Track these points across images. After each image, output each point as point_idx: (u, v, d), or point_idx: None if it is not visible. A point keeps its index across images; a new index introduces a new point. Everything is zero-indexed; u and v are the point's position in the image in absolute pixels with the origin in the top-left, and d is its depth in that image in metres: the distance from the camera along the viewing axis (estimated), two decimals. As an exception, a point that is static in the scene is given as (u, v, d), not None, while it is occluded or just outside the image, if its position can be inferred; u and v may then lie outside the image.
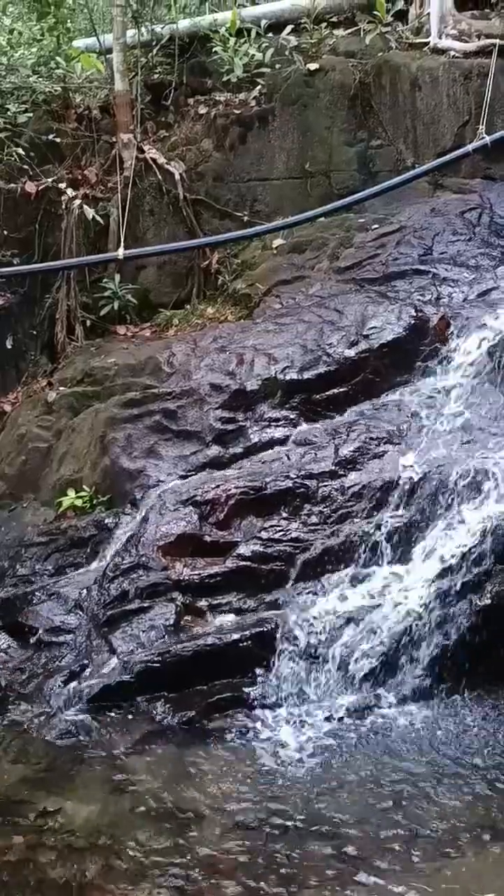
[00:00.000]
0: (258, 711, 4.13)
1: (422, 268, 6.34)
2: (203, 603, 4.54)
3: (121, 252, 6.69)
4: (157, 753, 3.93)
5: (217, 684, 4.20)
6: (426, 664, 4.13)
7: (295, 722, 4.09)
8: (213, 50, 7.62)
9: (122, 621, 4.58)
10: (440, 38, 7.46)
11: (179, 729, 4.07)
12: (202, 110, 7.73)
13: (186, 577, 4.65)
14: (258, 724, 4.08)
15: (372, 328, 5.68)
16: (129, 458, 5.61)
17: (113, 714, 4.19)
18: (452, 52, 7.36)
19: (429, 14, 7.55)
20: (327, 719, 4.08)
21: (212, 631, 4.36)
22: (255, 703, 4.15)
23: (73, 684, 4.37)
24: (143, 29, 7.95)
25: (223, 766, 3.84)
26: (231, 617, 4.48)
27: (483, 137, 6.82)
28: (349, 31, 7.82)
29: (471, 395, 5.26)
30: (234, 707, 4.14)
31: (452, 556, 4.34)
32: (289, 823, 3.44)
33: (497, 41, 7.17)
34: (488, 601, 4.18)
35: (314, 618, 4.32)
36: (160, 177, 7.49)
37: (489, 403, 5.14)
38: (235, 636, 4.25)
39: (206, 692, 4.17)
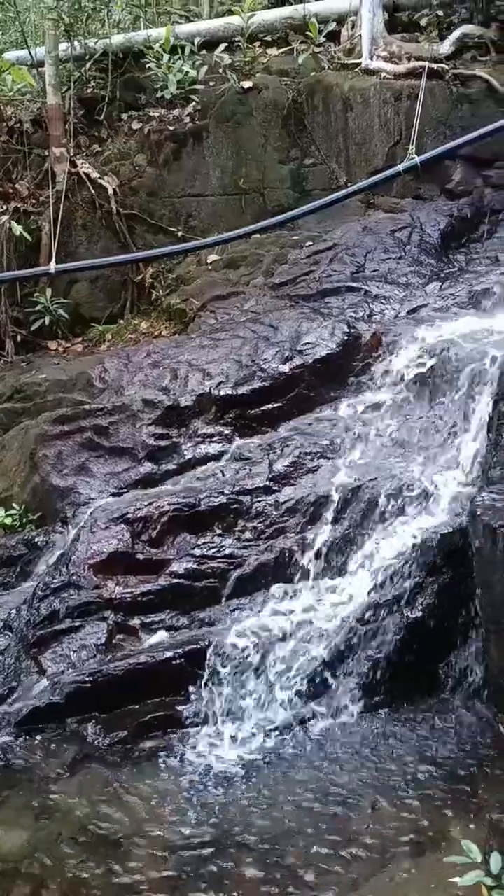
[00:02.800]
0: (191, 730, 4.09)
1: (354, 285, 6.43)
2: (136, 621, 4.48)
3: (52, 266, 6.63)
4: (87, 776, 3.85)
5: (149, 703, 4.13)
6: (358, 679, 4.13)
7: (228, 739, 4.05)
8: (147, 66, 7.65)
9: (52, 642, 4.49)
10: (371, 59, 7.61)
11: (111, 750, 4.00)
12: (136, 125, 7.74)
13: (119, 596, 4.59)
14: (191, 743, 4.03)
15: (306, 344, 5.72)
16: (60, 476, 5.53)
17: (42, 737, 4.10)
18: (383, 74, 7.52)
19: (360, 36, 7.70)
20: (261, 735, 4.05)
21: (144, 649, 4.30)
22: (188, 721, 4.10)
23: (2, 707, 4.26)
24: (76, 43, 7.93)
25: (155, 786, 3.79)
26: (164, 635, 4.43)
27: (413, 158, 6.97)
28: (282, 50, 7.94)
29: (402, 410, 5.32)
30: (166, 726, 4.08)
31: (385, 570, 4.37)
32: (222, 841, 3.42)
33: (426, 64, 7.35)
34: (419, 614, 4.21)
35: (248, 634, 4.29)
36: (93, 191, 7.47)
37: (420, 418, 5.20)
38: (168, 654, 4.20)
39: (138, 712, 4.10)
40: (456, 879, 2.45)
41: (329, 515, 4.70)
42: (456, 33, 7.75)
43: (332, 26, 7.96)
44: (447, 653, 4.21)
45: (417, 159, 6.94)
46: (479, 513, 3.72)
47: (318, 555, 4.59)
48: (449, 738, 3.94)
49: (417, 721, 4.07)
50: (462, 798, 3.59)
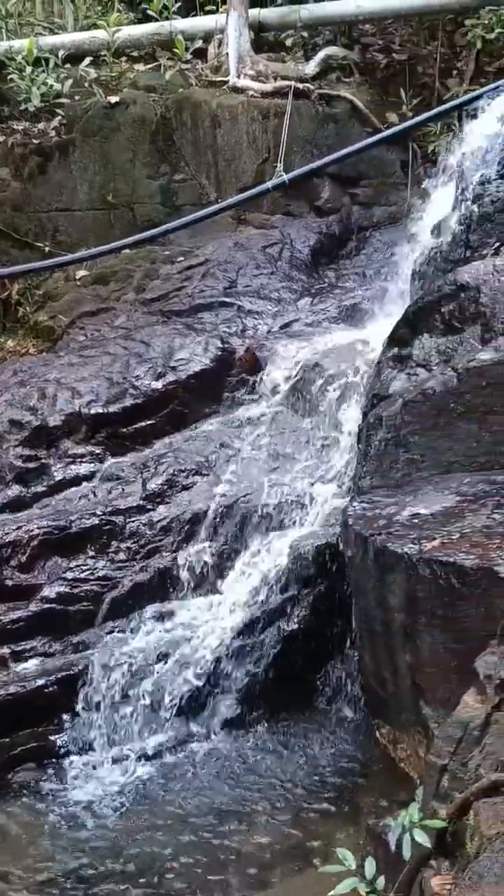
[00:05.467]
0: (66, 760, 3.99)
1: (227, 300, 6.45)
2: (5, 650, 4.32)
3: None
4: (-44, 816, 3.68)
5: (21, 735, 4.00)
6: (237, 694, 4.13)
7: (105, 766, 3.98)
8: (10, 77, 7.45)
9: None
10: (239, 77, 7.67)
11: (-21, 787, 3.84)
12: (-1, 138, 7.53)
13: (-14, 625, 4.41)
14: (66, 773, 3.94)
15: (179, 360, 5.68)
16: None
17: None
18: (251, 92, 7.59)
19: (227, 54, 7.76)
20: (140, 759, 4.00)
21: (14, 679, 4.15)
22: (62, 751, 4.00)
23: None
24: None
25: (30, 821, 3.68)
26: (36, 662, 4.29)
27: (281, 175, 7.07)
28: (150, 66, 7.90)
29: (277, 424, 5.36)
30: (40, 757, 3.97)
31: (261, 584, 4.38)
32: (104, 871, 3.35)
33: (292, 83, 7.47)
34: (296, 626, 4.24)
35: (123, 656, 4.21)
36: (-47, 205, 7.21)
37: (294, 431, 5.25)
38: (39, 682, 4.07)
39: (9, 745, 3.96)
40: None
41: (205, 532, 4.68)
42: (321, 54, 7.92)
43: (199, 44, 7.98)
44: (324, 663, 4.26)
45: (285, 177, 7.04)
46: (350, 522, 3.76)
47: (194, 573, 4.56)
48: (328, 748, 3.99)
49: (297, 733, 4.10)
50: (343, 806, 3.64)
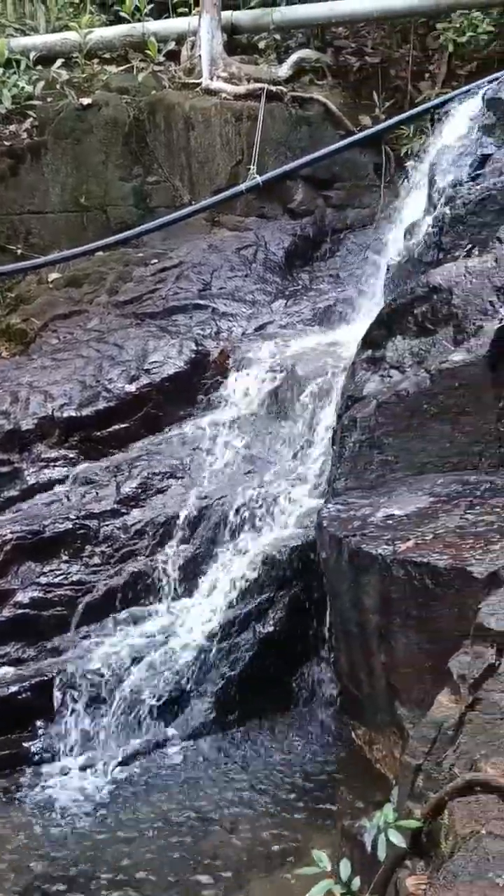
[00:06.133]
0: (42, 766, 3.95)
1: (201, 302, 6.44)
2: (-23, 657, 4.28)
3: None
4: None
5: (-6, 743, 3.95)
6: (213, 697, 4.11)
7: (82, 771, 3.95)
8: (-20, 79, 7.40)
9: None
10: (212, 79, 7.67)
11: (-45, 796, 3.79)
12: (-31, 140, 7.46)
13: (-42, 632, 4.37)
14: (42, 779, 3.90)
15: (153, 362, 5.66)
16: None
17: None
18: (224, 94, 7.59)
19: (200, 56, 7.75)
20: (116, 764, 3.96)
21: (-13, 686, 4.11)
22: (38, 757, 3.96)
23: None
24: None
25: (2, 828, 3.61)
26: (9, 669, 4.24)
27: (255, 177, 7.08)
28: (122, 68, 7.87)
29: (251, 426, 5.35)
30: (14, 765, 3.94)
31: (236, 587, 4.37)
32: (78, 875, 3.32)
33: (265, 85, 7.48)
34: (271, 628, 4.23)
35: (98, 661, 4.18)
36: None
37: (268, 433, 5.25)
38: (13, 689, 4.04)
39: (-18, 753, 3.91)
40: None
41: (179, 535, 4.67)
42: (293, 57, 7.94)
43: (172, 45, 7.97)
44: (300, 665, 4.25)
45: (259, 179, 7.05)
46: (325, 524, 3.76)
47: (169, 576, 4.54)
48: (305, 750, 3.99)
49: (273, 735, 4.09)
50: (319, 808, 3.63)
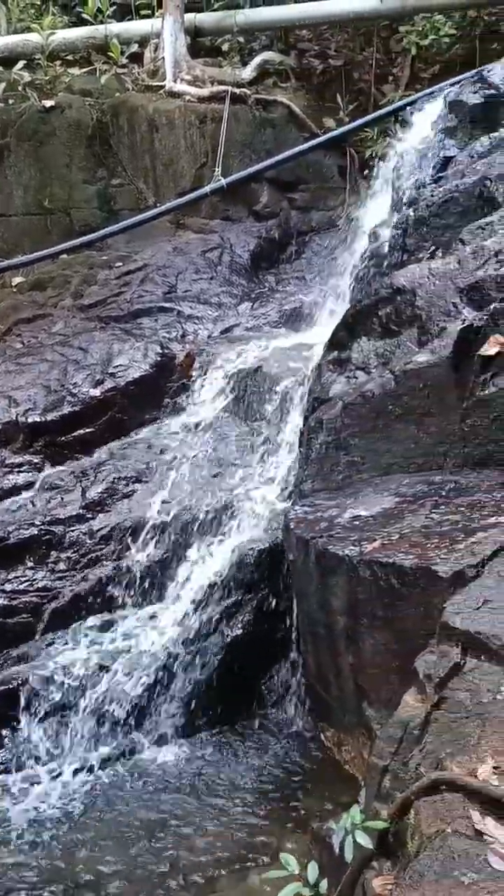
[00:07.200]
0: (6, 776, 3.87)
1: (167, 305, 6.41)
2: None
3: None
4: None
5: (-41, 754, 3.89)
6: (181, 702, 4.08)
7: (47, 781, 3.89)
8: None
9: None
10: (175, 81, 7.66)
11: None
12: None
13: None
14: (6, 790, 3.82)
15: (118, 366, 5.62)
16: None
17: None
18: (188, 97, 7.58)
19: (163, 58, 7.73)
20: (84, 772, 3.92)
21: (-50, 696, 4.04)
22: (3, 766, 3.89)
23: None
24: None
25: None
26: (-26, 678, 4.18)
27: (220, 180, 7.07)
28: (85, 70, 7.83)
29: (217, 429, 5.34)
30: (-21, 776, 3.85)
31: (203, 591, 4.34)
32: (45, 886, 3.27)
33: (229, 88, 7.48)
34: (239, 631, 4.21)
35: (65, 668, 4.13)
36: None
37: (234, 436, 5.23)
38: (-23, 699, 3.97)
39: None
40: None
41: (146, 540, 4.62)
42: (257, 59, 7.95)
43: (135, 48, 7.95)
44: (269, 668, 4.24)
45: (223, 181, 7.04)
46: (292, 526, 3.75)
47: (135, 581, 4.51)
48: (274, 753, 3.97)
49: (243, 739, 4.07)
50: (289, 812, 3.61)
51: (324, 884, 2.16)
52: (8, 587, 4.44)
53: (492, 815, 1.87)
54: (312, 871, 2.19)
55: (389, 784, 2.30)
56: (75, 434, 5.30)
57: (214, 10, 8.11)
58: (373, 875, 2.12)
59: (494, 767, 1.99)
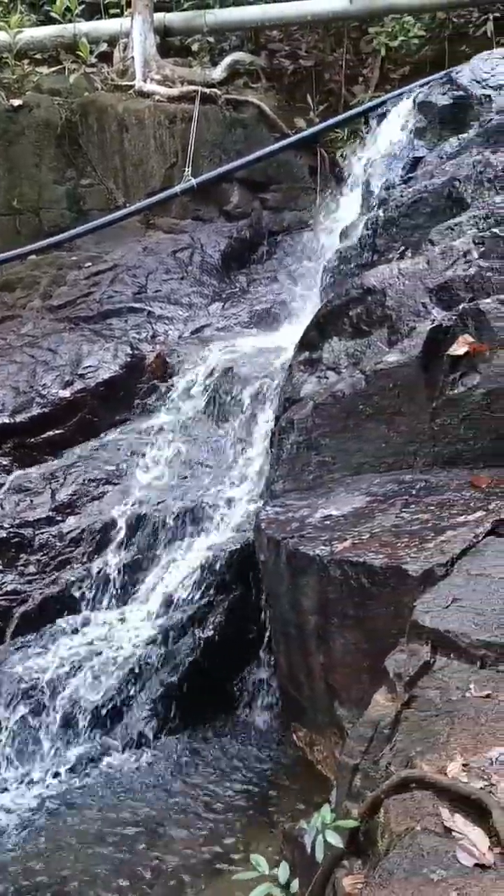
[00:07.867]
0: (-25, 782, 3.82)
1: (137, 306, 6.38)
2: None
3: None
4: None
5: None
6: (152, 705, 4.04)
7: (16, 786, 3.83)
8: None
9: None
10: (145, 81, 7.63)
11: None
12: None
13: None
14: (-24, 795, 3.77)
15: (88, 367, 5.59)
16: None
17: None
18: (157, 96, 7.55)
19: (133, 58, 7.70)
20: (53, 776, 3.87)
21: None
22: (-28, 772, 3.83)
23: None
24: None
25: None
26: None
27: (190, 180, 7.05)
28: (53, 69, 7.78)
29: (190, 430, 5.32)
30: None
31: (175, 592, 4.32)
32: (13, 891, 3.22)
33: (199, 88, 7.46)
34: (211, 633, 4.19)
35: (35, 672, 4.08)
36: None
37: (205, 437, 5.22)
38: None
39: None
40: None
41: (116, 542, 4.60)
42: (227, 59, 7.94)
43: (104, 47, 7.91)
44: (241, 669, 4.22)
45: (194, 181, 7.03)
46: (263, 526, 3.75)
47: (106, 583, 4.47)
48: (245, 754, 3.95)
49: (215, 741, 4.04)
50: (260, 813, 3.59)
51: (295, 883, 2.15)
52: (-24, 590, 4.39)
53: (461, 812, 1.87)
54: (283, 871, 2.18)
55: (360, 783, 2.30)
56: (45, 436, 5.26)
57: (184, 10, 8.10)
58: (343, 874, 2.11)
59: (463, 765, 1.99)
